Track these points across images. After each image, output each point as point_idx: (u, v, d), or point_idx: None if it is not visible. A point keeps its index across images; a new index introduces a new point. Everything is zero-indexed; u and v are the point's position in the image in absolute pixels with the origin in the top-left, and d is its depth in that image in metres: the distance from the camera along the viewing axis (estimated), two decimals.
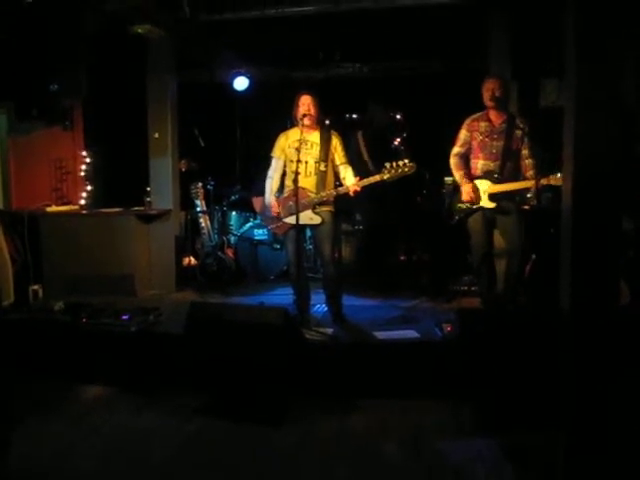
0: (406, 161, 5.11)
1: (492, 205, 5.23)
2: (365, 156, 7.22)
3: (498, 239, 5.43)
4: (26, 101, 6.90)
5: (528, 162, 5.20)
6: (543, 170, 5.03)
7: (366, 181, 5.22)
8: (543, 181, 4.96)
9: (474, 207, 5.30)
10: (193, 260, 7.44)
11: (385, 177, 5.14)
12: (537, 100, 6.64)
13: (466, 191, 5.28)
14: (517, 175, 5.24)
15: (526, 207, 5.56)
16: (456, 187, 5.47)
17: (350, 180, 5.32)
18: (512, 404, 3.97)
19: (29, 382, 4.89)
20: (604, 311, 3.09)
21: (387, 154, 6.42)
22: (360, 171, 5.51)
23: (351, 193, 5.25)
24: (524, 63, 6.36)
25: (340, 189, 5.32)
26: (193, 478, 3.56)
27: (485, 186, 5.25)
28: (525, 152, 5.21)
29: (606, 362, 3.05)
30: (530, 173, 5.15)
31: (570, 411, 3.12)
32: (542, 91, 6.62)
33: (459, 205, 5.40)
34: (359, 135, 7.34)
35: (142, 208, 7.02)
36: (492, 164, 5.25)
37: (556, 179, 4.85)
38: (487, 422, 4.02)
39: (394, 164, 5.11)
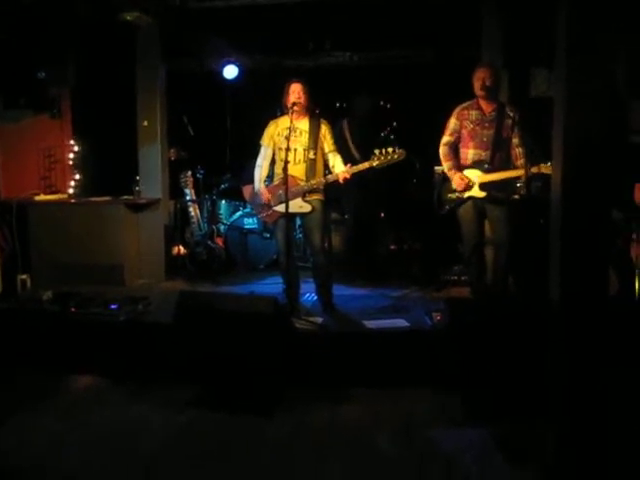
0: (395, 148, 5.12)
1: (482, 195, 5.22)
2: (350, 145, 7.17)
3: (488, 229, 5.44)
4: (13, 89, 6.85)
5: (518, 151, 5.19)
6: (533, 159, 5.03)
7: (355, 168, 5.21)
8: (533, 170, 4.97)
9: (465, 197, 5.30)
10: (182, 249, 7.41)
11: (374, 164, 5.15)
12: (527, 90, 6.65)
13: (457, 182, 5.27)
14: (507, 164, 5.24)
15: (516, 196, 5.56)
16: (445, 176, 5.46)
17: (339, 168, 5.31)
18: (502, 394, 3.98)
19: (17, 373, 4.87)
20: (594, 301, 3.10)
21: (375, 143, 6.39)
22: (345, 159, 5.48)
23: (341, 180, 5.25)
24: (516, 52, 6.35)
25: (330, 177, 5.31)
26: (185, 469, 3.55)
27: (475, 176, 5.24)
28: (515, 141, 5.20)
29: (596, 351, 3.06)
30: (520, 162, 5.14)
31: (560, 401, 3.13)
32: (533, 81, 6.62)
33: (449, 195, 5.38)
34: (344, 123, 7.30)
35: (131, 197, 6.99)
36: (483, 153, 5.23)
37: (546, 167, 4.85)
38: (478, 412, 4.04)
39: (383, 151, 5.12)
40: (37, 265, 6.60)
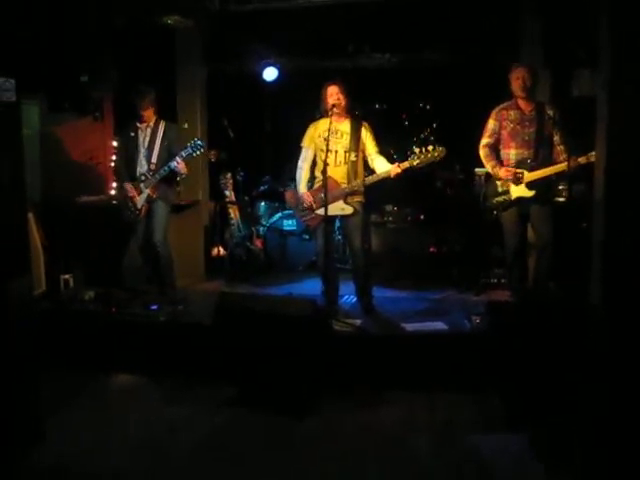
0: (435, 146, 5.07)
1: (531, 193, 5.14)
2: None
3: (531, 233, 5.38)
4: (57, 93, 6.95)
5: (560, 148, 5.12)
6: (577, 154, 4.93)
7: (402, 166, 5.14)
8: (581, 160, 4.83)
9: (512, 199, 5.22)
10: (222, 250, 7.45)
11: (415, 163, 5.10)
12: (569, 90, 6.54)
13: (504, 174, 5.20)
14: (551, 162, 5.15)
15: (560, 199, 5.48)
16: (487, 178, 5.40)
17: (383, 168, 5.25)
18: (542, 398, 3.93)
19: (59, 372, 4.91)
20: (636, 305, 3.04)
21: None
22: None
23: (392, 175, 5.17)
24: (556, 52, 6.25)
25: (370, 178, 5.27)
26: (218, 469, 3.57)
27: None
28: (557, 138, 5.14)
29: (638, 355, 3.01)
30: (563, 157, 5.05)
31: (600, 406, 3.08)
32: (574, 81, 6.51)
33: (495, 199, 5.32)
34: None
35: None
36: (526, 152, 5.18)
37: (589, 156, 4.72)
38: (517, 416, 3.99)
39: (423, 149, 5.08)
40: (79, 265, 6.68)
